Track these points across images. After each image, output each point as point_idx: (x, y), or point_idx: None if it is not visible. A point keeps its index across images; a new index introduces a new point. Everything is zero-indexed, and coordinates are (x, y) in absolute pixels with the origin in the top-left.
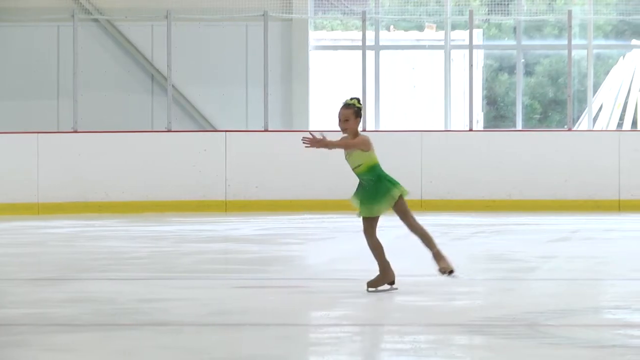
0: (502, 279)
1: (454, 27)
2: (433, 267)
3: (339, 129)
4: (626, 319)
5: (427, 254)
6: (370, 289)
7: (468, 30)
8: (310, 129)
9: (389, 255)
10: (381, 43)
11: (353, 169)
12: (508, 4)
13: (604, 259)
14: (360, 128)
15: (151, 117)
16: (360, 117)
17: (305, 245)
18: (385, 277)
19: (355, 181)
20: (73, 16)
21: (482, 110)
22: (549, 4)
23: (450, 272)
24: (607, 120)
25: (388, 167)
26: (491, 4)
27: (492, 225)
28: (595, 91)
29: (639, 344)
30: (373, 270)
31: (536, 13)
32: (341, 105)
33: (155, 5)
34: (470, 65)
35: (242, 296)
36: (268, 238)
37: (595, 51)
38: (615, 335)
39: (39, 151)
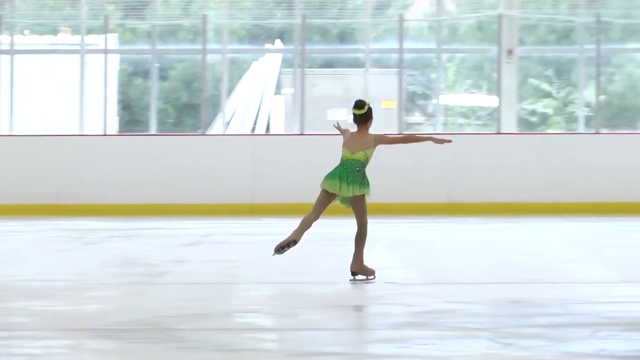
0: (134, 283)
1: (89, 32)
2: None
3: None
4: (257, 322)
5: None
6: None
7: (103, 35)
8: None
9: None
10: (16, 47)
11: None
12: (143, 9)
13: (236, 262)
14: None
15: None
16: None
17: None
18: None
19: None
20: None
21: (117, 115)
22: (184, 8)
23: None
24: (241, 124)
25: (17, 173)
26: (126, 9)
27: (125, 229)
28: (229, 95)
29: (269, 348)
30: (14, 275)
31: (171, 17)
32: None
33: None
34: (105, 70)
35: None
36: None
37: (229, 55)
38: (246, 339)
39: None
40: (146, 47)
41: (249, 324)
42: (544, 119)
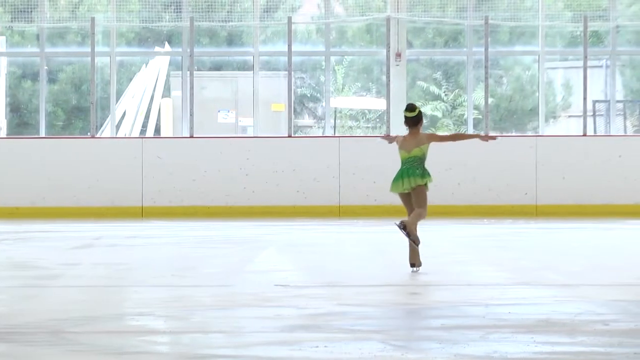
0: (25, 286)
1: None
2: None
3: None
4: (149, 325)
5: None
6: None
7: None
8: None
9: None
10: None
11: None
12: (31, 11)
13: (127, 265)
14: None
15: None
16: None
17: None
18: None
19: None
20: None
21: (6, 117)
22: (72, 11)
23: (413, 265)
24: (131, 127)
25: None
26: (14, 11)
27: (16, 232)
28: (118, 98)
29: (161, 350)
30: None
31: (59, 20)
32: None
33: None
34: None
35: None
36: None
37: (118, 58)
38: (139, 342)
39: None
40: (35, 49)
41: (142, 326)
42: (433, 121)
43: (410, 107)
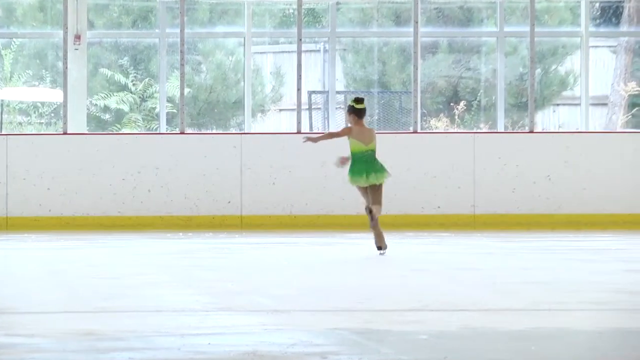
0: None
1: None
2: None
3: None
4: None
5: None
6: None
7: None
8: None
9: None
10: None
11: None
12: None
13: None
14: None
15: None
16: (352, 113)
17: None
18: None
19: None
20: None
21: None
22: None
23: (380, 248)
24: None
25: None
26: None
27: None
28: None
29: None
30: None
31: None
32: None
33: None
34: None
35: None
36: None
37: None
38: None
39: None
40: None
41: None
42: (119, 116)
43: (359, 99)
